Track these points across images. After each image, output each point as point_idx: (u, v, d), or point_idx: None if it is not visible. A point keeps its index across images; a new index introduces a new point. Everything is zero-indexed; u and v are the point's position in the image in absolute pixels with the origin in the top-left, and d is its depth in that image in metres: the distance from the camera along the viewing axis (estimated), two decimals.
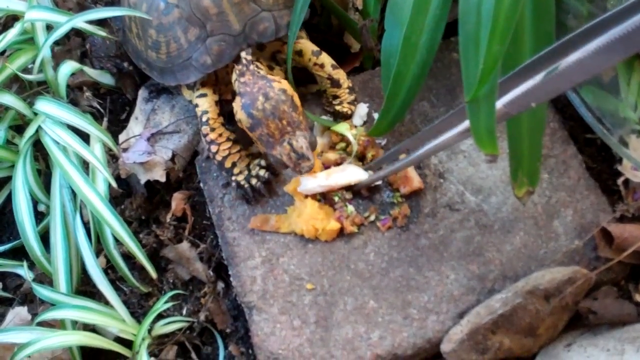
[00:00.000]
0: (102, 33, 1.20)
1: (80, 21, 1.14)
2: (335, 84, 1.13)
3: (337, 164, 1.09)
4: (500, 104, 0.79)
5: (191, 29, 1.06)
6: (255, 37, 1.07)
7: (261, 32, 1.08)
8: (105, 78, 1.29)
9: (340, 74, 1.13)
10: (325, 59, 1.12)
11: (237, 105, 1.02)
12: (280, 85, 1.01)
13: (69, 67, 1.21)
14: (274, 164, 1.02)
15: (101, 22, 1.27)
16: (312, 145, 1.00)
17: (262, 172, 1.09)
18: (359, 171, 1.07)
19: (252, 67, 1.04)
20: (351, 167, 1.08)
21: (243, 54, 1.05)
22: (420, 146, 0.95)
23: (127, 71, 1.27)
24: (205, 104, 1.09)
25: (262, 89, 1.00)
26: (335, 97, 1.14)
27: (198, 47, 1.07)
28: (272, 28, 1.08)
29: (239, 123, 1.03)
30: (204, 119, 1.08)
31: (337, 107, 1.14)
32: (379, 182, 1.09)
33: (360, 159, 1.11)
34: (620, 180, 1.11)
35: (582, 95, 1.07)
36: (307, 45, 1.12)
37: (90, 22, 1.22)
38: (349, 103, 1.15)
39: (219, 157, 1.08)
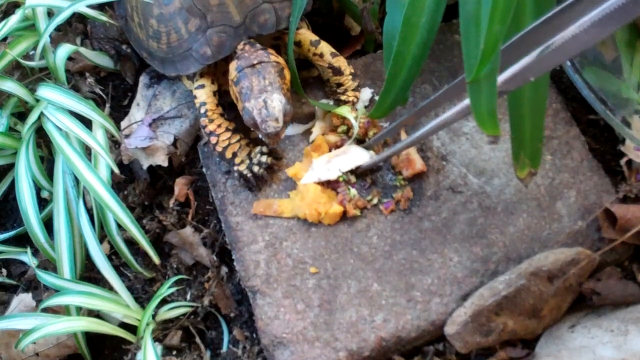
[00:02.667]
0: (103, 18, 1.20)
1: (82, 5, 1.14)
2: (337, 71, 1.13)
3: (338, 146, 1.09)
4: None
5: (192, 20, 1.06)
6: (256, 29, 1.07)
7: (262, 24, 1.07)
8: (103, 60, 1.29)
9: (340, 61, 1.13)
10: (324, 47, 1.12)
11: (232, 67, 1.05)
12: (276, 58, 1.04)
13: (65, 49, 1.21)
14: (246, 120, 1.02)
15: (103, 8, 1.26)
16: (287, 113, 1.00)
17: (263, 158, 1.09)
18: (361, 152, 1.07)
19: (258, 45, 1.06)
20: (353, 148, 1.08)
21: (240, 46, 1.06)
22: (420, 121, 0.95)
23: (125, 54, 1.28)
24: (204, 95, 1.09)
25: (258, 57, 1.03)
26: (339, 84, 1.14)
27: (198, 38, 1.07)
28: (272, 20, 1.08)
29: (230, 82, 1.05)
30: (202, 110, 1.09)
31: (342, 97, 1.14)
32: (381, 164, 1.09)
33: (362, 141, 1.10)
34: (623, 161, 1.11)
35: (585, 76, 1.06)
36: (306, 36, 1.12)
37: (93, 8, 1.21)
38: (353, 90, 1.14)
39: (219, 148, 1.08)
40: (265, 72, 1.01)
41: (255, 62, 1.02)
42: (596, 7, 0.69)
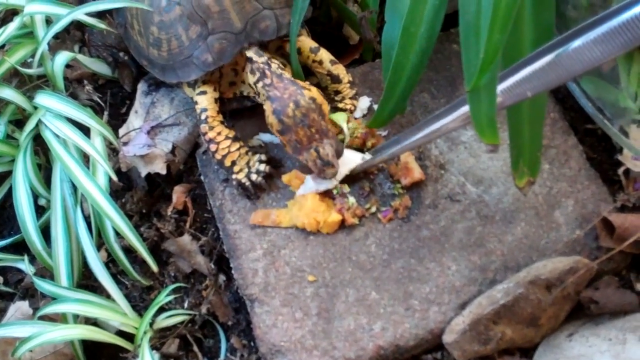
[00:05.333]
0: (102, 26, 1.20)
1: (81, 13, 1.14)
2: (335, 79, 1.13)
3: None
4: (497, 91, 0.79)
5: (192, 27, 1.06)
6: (257, 35, 1.07)
7: (263, 30, 1.07)
8: (101, 67, 1.29)
9: (339, 69, 1.13)
10: (324, 55, 1.12)
11: (268, 109, 1.02)
12: (310, 93, 1.01)
13: (63, 57, 1.21)
14: (304, 162, 1.03)
15: (101, 15, 1.26)
16: (338, 153, 1.01)
17: (262, 167, 1.09)
18: (353, 155, 1.07)
19: (273, 66, 1.05)
20: (346, 153, 1.07)
21: (253, 56, 1.05)
22: (418, 134, 0.95)
23: (123, 61, 1.27)
24: (205, 101, 1.09)
25: (292, 96, 1.00)
26: (337, 92, 1.14)
27: (199, 44, 1.07)
28: (273, 26, 1.08)
29: (270, 127, 1.03)
30: (203, 117, 1.08)
31: (340, 105, 1.15)
32: (376, 172, 1.10)
33: (360, 150, 1.10)
34: (620, 170, 1.11)
35: (583, 85, 1.07)
36: (306, 43, 1.12)
37: (92, 16, 1.21)
38: (350, 98, 1.15)
39: (218, 156, 1.08)
40: (309, 120, 0.99)
41: (290, 103, 1.00)
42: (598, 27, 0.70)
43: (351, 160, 1.07)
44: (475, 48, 0.79)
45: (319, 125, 1.00)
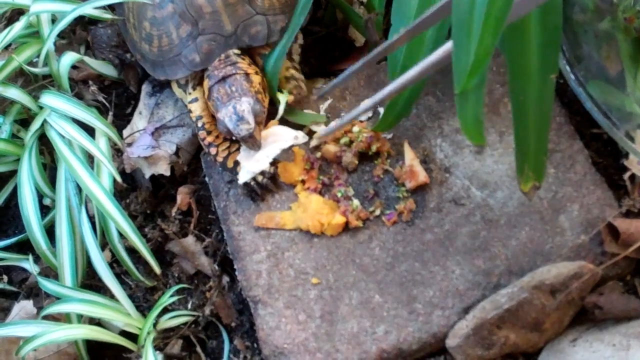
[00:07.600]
0: (107, 16, 1.20)
1: (86, 9, 1.14)
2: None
3: (337, 156, 1.09)
4: None
5: (183, 25, 1.07)
6: (247, 39, 1.08)
7: (253, 35, 1.08)
8: (107, 69, 1.29)
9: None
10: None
11: (205, 85, 1.07)
12: (244, 71, 1.05)
13: (69, 57, 1.21)
14: (221, 130, 1.04)
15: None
16: (257, 114, 1.02)
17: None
18: (285, 131, 1.07)
19: (232, 57, 1.07)
20: (276, 130, 1.07)
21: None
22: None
23: (129, 62, 1.28)
24: (199, 109, 1.10)
25: (225, 72, 1.04)
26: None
27: (188, 44, 1.07)
28: (264, 32, 1.08)
29: (207, 101, 1.07)
30: (200, 124, 1.09)
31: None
32: (383, 176, 1.10)
33: (365, 153, 1.10)
34: (626, 175, 1.10)
35: (589, 89, 1.06)
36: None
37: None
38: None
39: (219, 159, 1.09)
40: (232, 80, 1.03)
41: (221, 76, 1.04)
42: None
43: (283, 137, 1.06)
44: (466, 48, 0.77)
45: (239, 85, 1.03)
